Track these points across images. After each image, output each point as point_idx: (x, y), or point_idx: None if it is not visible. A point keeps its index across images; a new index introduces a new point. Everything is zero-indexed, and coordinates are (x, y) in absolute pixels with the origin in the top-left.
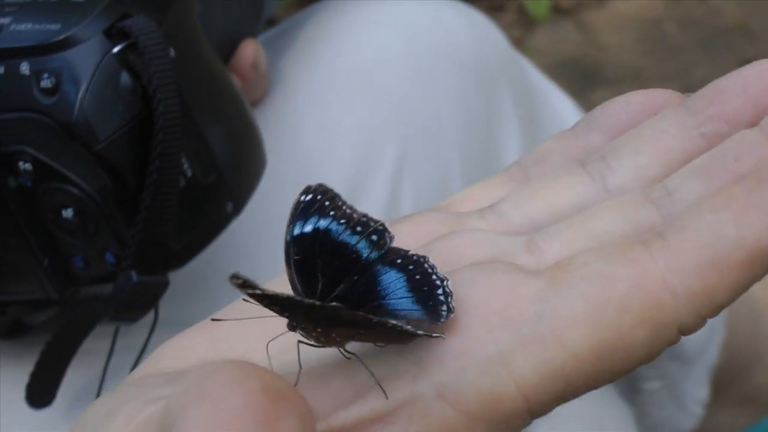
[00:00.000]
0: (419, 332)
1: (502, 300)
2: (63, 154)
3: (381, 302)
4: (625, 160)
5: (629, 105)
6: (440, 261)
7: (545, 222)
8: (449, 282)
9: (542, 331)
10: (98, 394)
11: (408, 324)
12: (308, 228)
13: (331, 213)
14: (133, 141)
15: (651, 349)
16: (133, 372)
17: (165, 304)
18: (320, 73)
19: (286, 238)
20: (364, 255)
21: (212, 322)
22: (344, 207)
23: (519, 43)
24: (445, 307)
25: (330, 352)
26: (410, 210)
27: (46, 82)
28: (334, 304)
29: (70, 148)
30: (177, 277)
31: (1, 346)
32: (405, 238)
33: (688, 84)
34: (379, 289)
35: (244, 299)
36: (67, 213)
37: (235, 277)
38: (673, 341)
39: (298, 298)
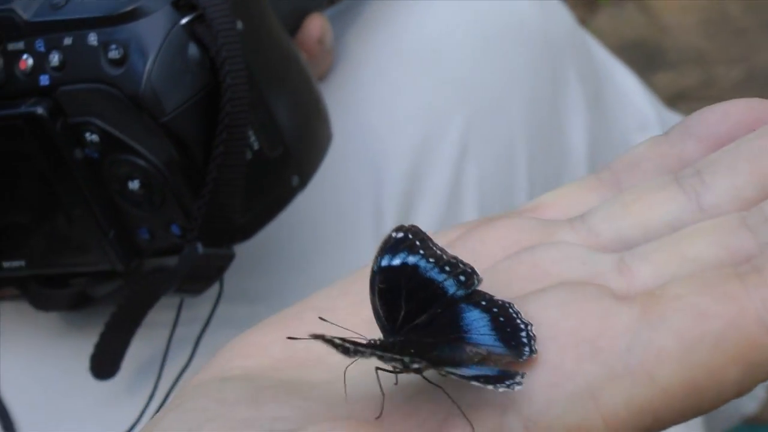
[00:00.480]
0: (488, 386)
1: (594, 329)
2: (130, 125)
3: (463, 335)
4: (721, 179)
5: (727, 116)
6: (528, 274)
7: (636, 239)
8: (533, 327)
9: (633, 366)
10: (162, 366)
11: (491, 356)
12: (396, 261)
13: (421, 252)
14: (200, 113)
15: (742, 387)
16: (202, 374)
17: (229, 276)
18: (386, 48)
19: (373, 267)
20: (450, 292)
21: (280, 317)
22: (435, 248)
23: (582, 25)
24: (527, 349)
25: (410, 377)
26: (474, 189)
27: (113, 53)
28: (409, 360)
29: (137, 119)
30: (241, 250)
31: (65, 317)
32: (491, 246)
33: (752, 67)
34: (461, 324)
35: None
36: (134, 185)
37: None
38: (766, 379)
39: (379, 346)
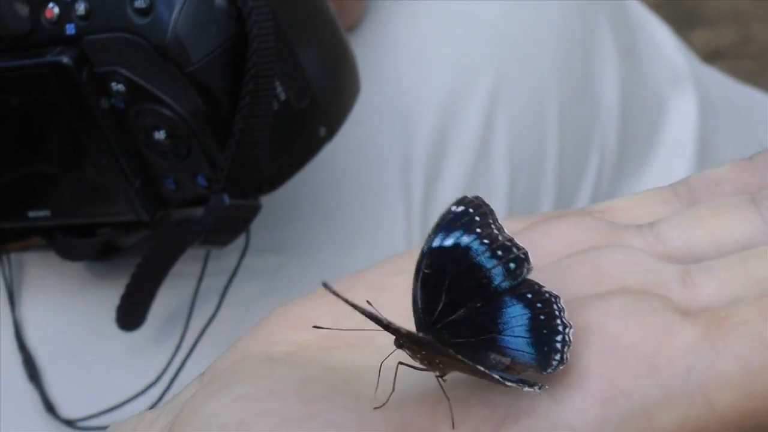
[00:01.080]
0: (511, 384)
1: (654, 345)
2: (156, 75)
3: (496, 336)
4: None
5: None
6: (589, 275)
7: (705, 252)
8: (571, 331)
9: (691, 388)
10: (189, 317)
11: (515, 365)
12: (449, 242)
13: (477, 230)
14: (226, 63)
15: None
16: (246, 344)
17: (256, 228)
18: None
19: (423, 248)
20: (496, 282)
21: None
22: (492, 226)
23: None
24: (558, 356)
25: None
26: (503, 140)
27: (140, 2)
28: (420, 335)
29: (163, 69)
30: (268, 202)
31: (92, 268)
32: (556, 241)
33: None
34: (499, 321)
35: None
36: (159, 135)
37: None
38: None
39: (385, 320)
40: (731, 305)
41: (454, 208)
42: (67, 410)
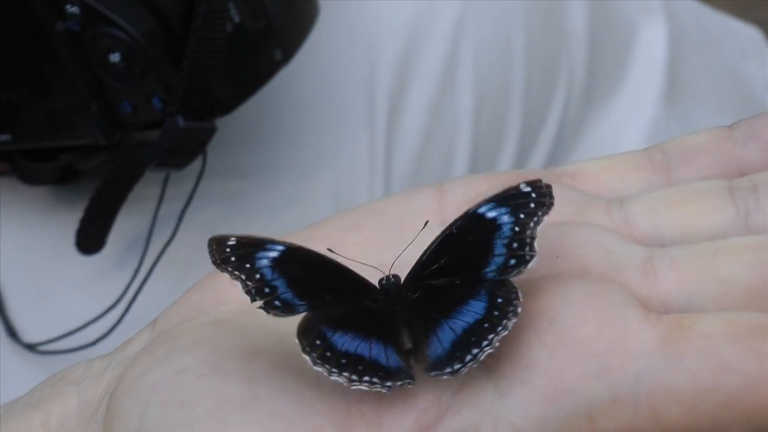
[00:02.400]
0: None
1: (608, 343)
2: None
3: (440, 318)
4: None
5: None
6: (551, 252)
7: (673, 240)
8: (489, 351)
9: (638, 397)
10: (148, 241)
11: (419, 353)
12: (491, 214)
13: (520, 216)
14: None
15: None
16: (195, 296)
17: (214, 152)
18: None
19: (469, 209)
20: (488, 269)
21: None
22: (536, 217)
23: None
24: (457, 366)
25: None
26: (469, 68)
27: None
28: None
29: None
30: (230, 127)
31: (54, 192)
32: None
33: None
34: (456, 307)
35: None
36: (114, 57)
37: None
38: None
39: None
40: (696, 314)
41: (522, 187)
42: (29, 335)
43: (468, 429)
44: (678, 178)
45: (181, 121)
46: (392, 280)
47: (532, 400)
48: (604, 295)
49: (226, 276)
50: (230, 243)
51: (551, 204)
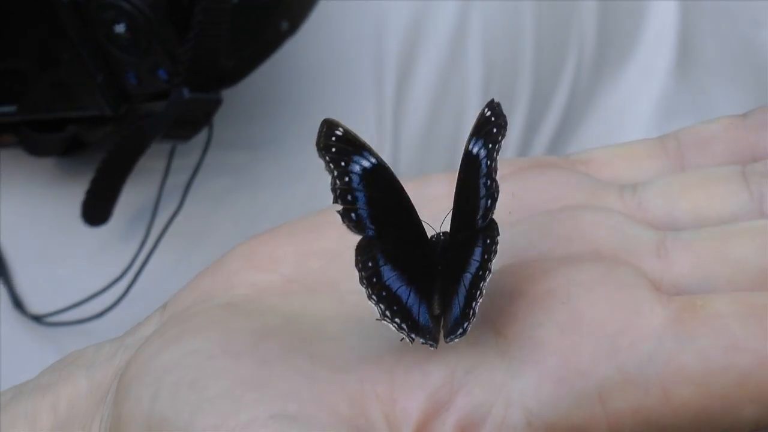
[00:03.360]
0: (398, 331)
1: (619, 323)
2: None
3: (460, 274)
4: None
5: None
6: (564, 233)
7: (686, 224)
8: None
9: (649, 377)
10: (154, 213)
11: (444, 317)
12: (475, 150)
13: (489, 146)
14: None
15: (758, 425)
16: (207, 280)
17: (221, 124)
18: None
19: (466, 146)
20: (479, 217)
21: (296, 227)
22: (497, 144)
23: None
24: (466, 324)
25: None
26: (478, 38)
27: None
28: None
29: None
30: (233, 98)
31: (60, 164)
32: (535, 196)
33: None
34: (467, 261)
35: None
36: (119, 28)
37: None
38: None
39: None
40: (709, 294)
41: (485, 112)
42: (35, 306)
43: (480, 409)
44: (692, 166)
45: (186, 93)
46: (443, 237)
47: (543, 380)
48: (617, 276)
49: (235, 259)
50: (338, 132)
51: (506, 123)
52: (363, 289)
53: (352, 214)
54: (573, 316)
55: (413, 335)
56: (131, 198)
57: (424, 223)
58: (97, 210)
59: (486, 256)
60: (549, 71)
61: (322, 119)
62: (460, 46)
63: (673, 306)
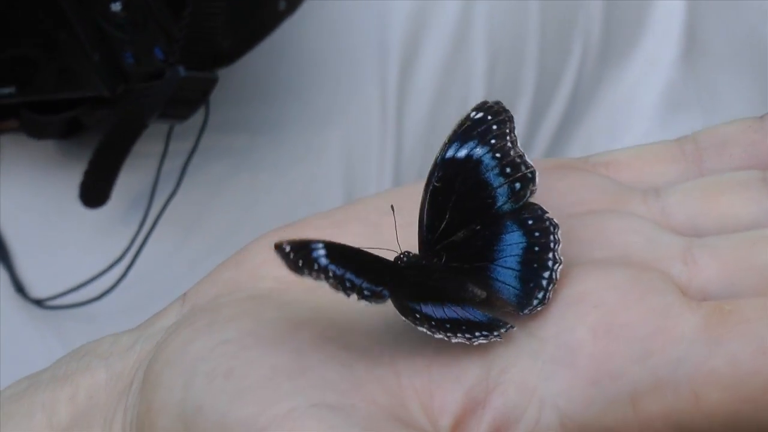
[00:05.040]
0: (454, 339)
1: (650, 327)
2: None
3: (488, 264)
4: None
5: None
6: (592, 238)
7: (709, 230)
8: (560, 267)
9: (680, 380)
10: (152, 196)
11: (495, 300)
12: (462, 153)
13: (492, 142)
14: None
15: None
16: (232, 272)
17: (219, 106)
18: None
19: (437, 157)
20: (499, 203)
21: (321, 221)
22: (508, 137)
23: None
24: (541, 294)
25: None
26: (482, 27)
27: None
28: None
29: None
30: (231, 80)
31: (61, 146)
32: (558, 199)
33: None
34: (495, 248)
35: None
36: (116, 6)
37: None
38: None
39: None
40: (736, 300)
41: (473, 114)
42: (36, 290)
43: (514, 410)
44: (710, 169)
45: (182, 71)
46: (409, 254)
47: (576, 383)
48: (647, 281)
49: (259, 251)
50: (287, 250)
51: (511, 117)
52: (442, 338)
53: (365, 292)
54: (605, 320)
55: (496, 333)
56: (130, 182)
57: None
58: (95, 192)
59: (537, 234)
60: (554, 61)
61: (274, 246)
62: (465, 33)
63: (701, 311)
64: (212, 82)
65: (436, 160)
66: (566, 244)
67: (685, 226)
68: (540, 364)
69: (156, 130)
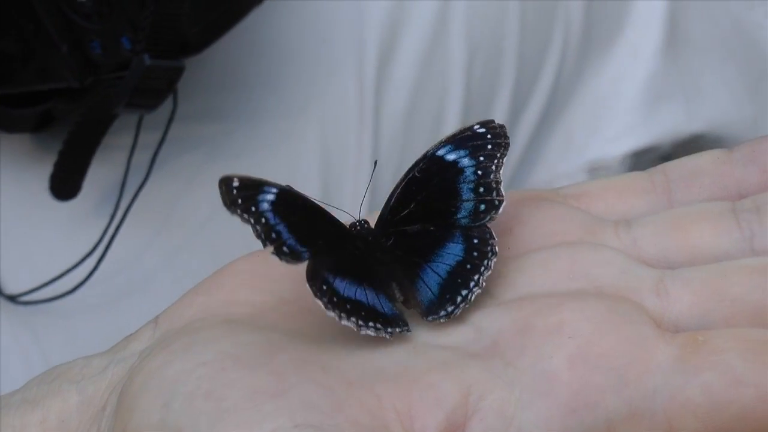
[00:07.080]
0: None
1: (625, 358)
2: None
3: (423, 264)
4: None
5: None
6: (564, 270)
7: (680, 261)
8: (479, 291)
9: (655, 410)
10: (123, 187)
11: (411, 301)
12: (451, 156)
13: (481, 158)
14: None
15: None
16: (206, 297)
17: (187, 96)
18: None
19: (428, 151)
20: (460, 215)
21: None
22: (495, 161)
23: None
24: (450, 308)
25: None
26: (461, 21)
27: None
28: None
29: None
30: (199, 70)
31: (34, 140)
32: (533, 231)
33: None
34: (435, 251)
35: None
36: None
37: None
38: None
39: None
40: (709, 330)
41: (476, 128)
42: (9, 286)
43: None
44: (680, 200)
45: (147, 59)
46: (365, 224)
47: (553, 412)
48: (622, 313)
49: (232, 275)
50: (234, 184)
51: (507, 144)
52: (332, 315)
53: (284, 248)
54: (581, 350)
55: (389, 330)
56: (100, 174)
57: (344, 212)
58: (65, 184)
59: (476, 254)
60: (534, 52)
61: (219, 179)
62: (444, 25)
63: (676, 342)
64: (178, 71)
65: (426, 152)
66: (541, 275)
67: (657, 257)
68: (517, 393)
69: (126, 121)
